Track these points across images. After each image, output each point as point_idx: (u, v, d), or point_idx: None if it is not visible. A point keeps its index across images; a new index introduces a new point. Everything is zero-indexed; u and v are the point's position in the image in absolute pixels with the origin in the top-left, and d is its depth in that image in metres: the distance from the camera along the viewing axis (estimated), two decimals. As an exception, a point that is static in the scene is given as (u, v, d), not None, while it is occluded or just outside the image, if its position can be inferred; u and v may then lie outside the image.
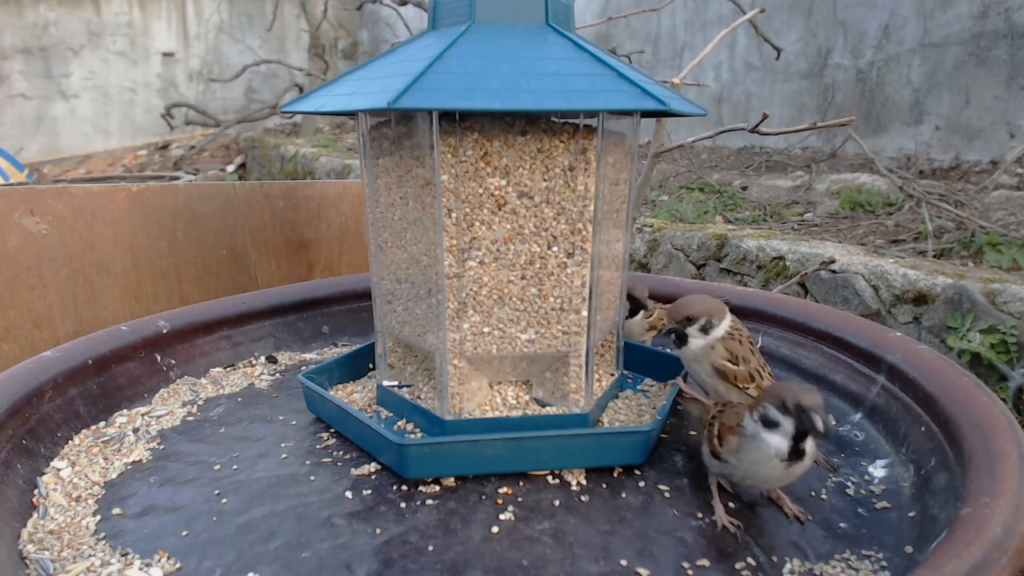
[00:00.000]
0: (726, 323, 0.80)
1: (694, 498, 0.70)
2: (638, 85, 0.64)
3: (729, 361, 0.79)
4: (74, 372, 0.84)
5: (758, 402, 0.66)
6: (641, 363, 0.97)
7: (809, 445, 0.63)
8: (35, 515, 0.67)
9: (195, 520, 0.66)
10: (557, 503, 0.69)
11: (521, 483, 0.72)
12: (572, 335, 0.76)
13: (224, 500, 0.70)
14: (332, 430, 0.84)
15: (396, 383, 0.87)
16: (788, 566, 0.60)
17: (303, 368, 0.99)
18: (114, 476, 0.75)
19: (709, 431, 0.70)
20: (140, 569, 0.60)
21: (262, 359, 1.05)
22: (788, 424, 0.63)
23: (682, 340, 0.81)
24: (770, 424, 0.64)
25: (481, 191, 0.71)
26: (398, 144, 0.76)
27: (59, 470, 0.74)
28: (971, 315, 1.90)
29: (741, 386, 0.79)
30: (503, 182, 0.71)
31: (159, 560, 0.61)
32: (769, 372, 0.82)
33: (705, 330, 0.80)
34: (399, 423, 0.82)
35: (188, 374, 0.98)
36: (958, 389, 0.74)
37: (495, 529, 0.65)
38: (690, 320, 0.80)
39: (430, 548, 0.62)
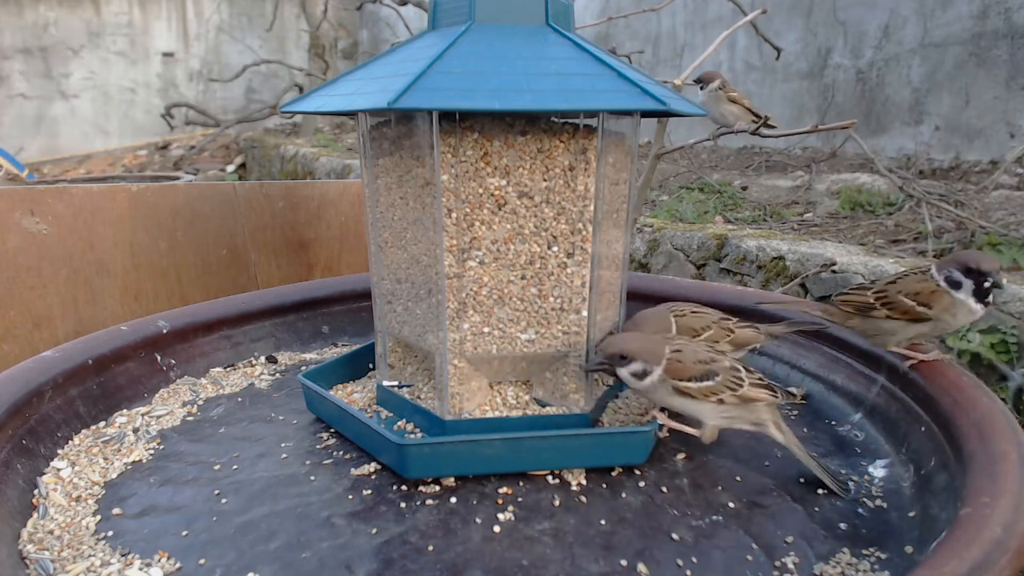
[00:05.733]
0: (660, 369, 0.72)
1: (694, 498, 0.70)
2: (638, 85, 0.65)
3: (690, 381, 0.71)
4: (74, 372, 0.84)
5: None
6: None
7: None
8: (35, 515, 0.67)
9: (195, 520, 0.66)
10: (557, 503, 0.69)
11: (521, 483, 0.72)
12: (572, 335, 0.76)
13: (224, 500, 0.70)
14: (332, 430, 0.84)
15: (396, 383, 0.87)
16: (788, 566, 0.60)
17: (303, 368, 0.99)
18: (114, 476, 0.75)
19: (899, 303, 0.80)
20: (140, 569, 0.60)
21: (262, 359, 1.05)
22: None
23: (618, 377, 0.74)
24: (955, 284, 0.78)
25: (481, 191, 0.71)
26: (398, 144, 0.76)
27: (59, 470, 0.74)
28: (971, 315, 1.89)
29: (704, 397, 0.71)
30: (503, 182, 0.71)
31: (159, 560, 0.61)
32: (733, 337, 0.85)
33: (639, 376, 0.72)
34: (399, 423, 0.82)
35: (188, 374, 0.98)
36: (958, 389, 0.74)
37: (495, 529, 0.65)
38: (623, 359, 0.72)
39: (430, 548, 0.62)
